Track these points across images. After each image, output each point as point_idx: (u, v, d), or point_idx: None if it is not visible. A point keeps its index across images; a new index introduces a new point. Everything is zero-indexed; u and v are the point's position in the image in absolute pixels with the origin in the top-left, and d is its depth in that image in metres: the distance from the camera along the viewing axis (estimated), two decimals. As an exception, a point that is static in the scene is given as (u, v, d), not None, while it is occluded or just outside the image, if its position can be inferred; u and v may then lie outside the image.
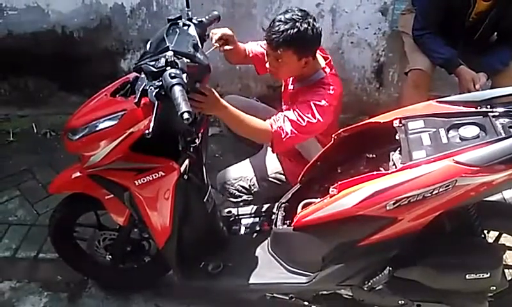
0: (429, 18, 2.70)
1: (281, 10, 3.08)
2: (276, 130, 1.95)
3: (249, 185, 2.29)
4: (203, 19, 1.96)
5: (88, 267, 2.31)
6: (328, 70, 2.12)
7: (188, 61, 1.62)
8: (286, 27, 1.94)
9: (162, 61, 1.54)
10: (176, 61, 1.54)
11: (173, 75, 1.49)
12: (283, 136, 1.95)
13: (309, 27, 1.96)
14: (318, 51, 2.10)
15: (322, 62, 2.14)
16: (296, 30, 1.94)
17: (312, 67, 2.09)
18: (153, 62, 1.57)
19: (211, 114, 1.91)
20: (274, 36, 1.96)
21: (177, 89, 1.45)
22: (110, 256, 2.16)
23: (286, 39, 1.95)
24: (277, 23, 1.96)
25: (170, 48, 1.60)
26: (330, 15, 3.18)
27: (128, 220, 1.97)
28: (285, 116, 1.98)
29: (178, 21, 1.83)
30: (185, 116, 1.40)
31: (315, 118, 1.97)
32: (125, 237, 2.12)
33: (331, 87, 2.05)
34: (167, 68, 1.52)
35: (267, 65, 2.09)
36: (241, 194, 2.31)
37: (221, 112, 1.85)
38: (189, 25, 1.82)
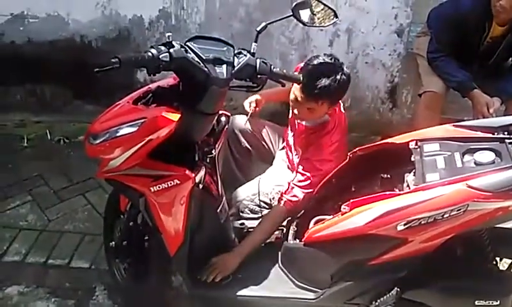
0: (444, 41, 2.72)
1: (298, 28, 3.16)
2: (286, 202, 2.06)
3: (270, 199, 2.25)
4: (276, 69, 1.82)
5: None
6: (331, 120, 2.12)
7: (193, 57, 1.64)
8: (328, 81, 1.91)
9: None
10: (174, 43, 1.61)
11: (154, 46, 1.61)
12: (295, 201, 2.06)
13: (344, 77, 1.95)
14: None
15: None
16: (336, 83, 1.92)
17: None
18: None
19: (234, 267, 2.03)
20: (316, 91, 1.93)
21: (141, 55, 1.59)
22: (113, 243, 2.18)
23: (328, 94, 1.94)
24: (317, 76, 1.92)
25: (184, 42, 1.67)
26: (346, 35, 3.21)
27: (125, 206, 2.05)
28: (293, 185, 2.07)
29: (243, 51, 1.79)
30: (113, 60, 1.49)
31: (318, 171, 2.04)
32: (124, 227, 2.11)
33: (333, 135, 2.08)
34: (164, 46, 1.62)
35: (295, 111, 2.07)
36: (263, 209, 2.25)
37: (240, 256, 2.03)
38: (245, 55, 1.77)
